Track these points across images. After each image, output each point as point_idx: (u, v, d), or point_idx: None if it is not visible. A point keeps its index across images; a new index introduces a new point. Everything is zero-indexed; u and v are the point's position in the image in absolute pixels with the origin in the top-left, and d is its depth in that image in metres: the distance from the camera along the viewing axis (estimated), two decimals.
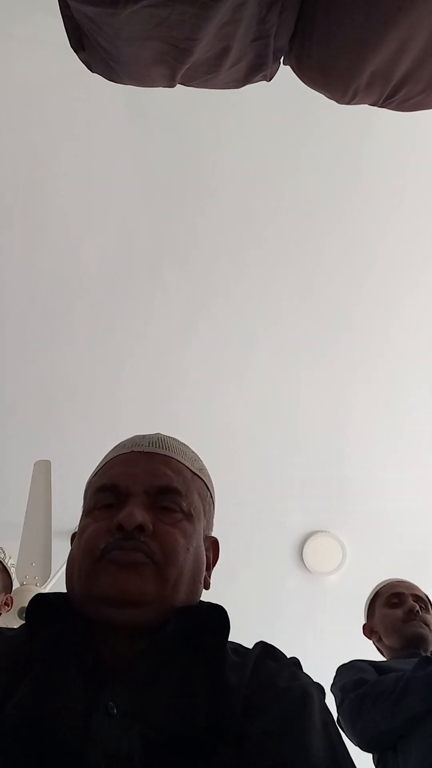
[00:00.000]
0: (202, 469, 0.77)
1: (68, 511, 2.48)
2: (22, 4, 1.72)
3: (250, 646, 0.66)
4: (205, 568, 0.71)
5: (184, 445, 0.79)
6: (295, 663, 0.65)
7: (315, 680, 0.63)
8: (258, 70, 0.97)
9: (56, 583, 2.16)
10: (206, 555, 0.73)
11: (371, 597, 1.60)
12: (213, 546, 0.76)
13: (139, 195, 2.08)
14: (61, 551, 2.28)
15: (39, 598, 0.66)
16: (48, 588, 2.09)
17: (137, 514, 0.63)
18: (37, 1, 1.56)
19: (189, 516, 0.69)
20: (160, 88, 1.05)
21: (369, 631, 1.57)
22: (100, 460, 0.79)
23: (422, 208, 2.07)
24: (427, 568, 2.52)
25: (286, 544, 2.58)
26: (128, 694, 0.55)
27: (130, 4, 0.79)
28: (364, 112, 1.12)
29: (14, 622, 1.96)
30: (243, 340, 2.31)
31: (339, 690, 1.28)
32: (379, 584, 1.61)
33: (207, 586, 0.72)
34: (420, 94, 0.97)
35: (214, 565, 0.76)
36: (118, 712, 0.53)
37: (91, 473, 0.78)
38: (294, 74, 1.02)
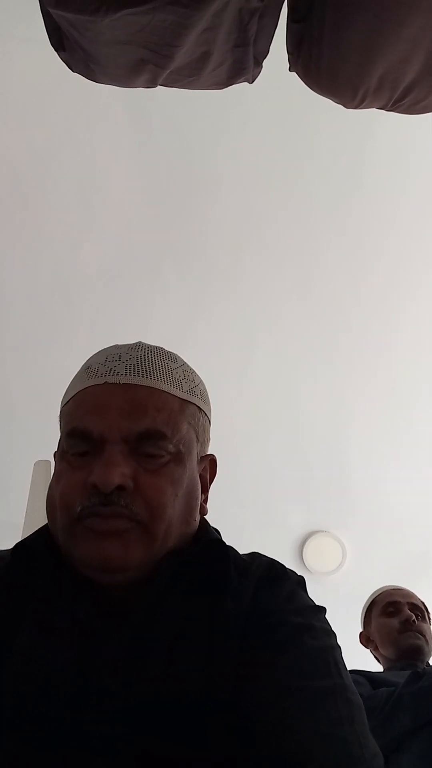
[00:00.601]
0: (193, 387, 0.66)
1: None
2: (22, 4, 1.72)
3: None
4: (199, 496, 0.65)
5: (171, 358, 0.67)
6: (299, 583, 0.62)
7: (314, 605, 0.61)
8: (239, 73, 0.99)
9: None
10: (202, 477, 0.67)
11: (367, 605, 1.59)
12: (209, 465, 0.70)
13: (140, 195, 2.08)
14: None
15: (23, 547, 0.62)
16: None
17: (114, 472, 0.55)
18: (38, 1, 1.57)
19: (177, 455, 0.61)
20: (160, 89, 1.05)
21: (365, 639, 1.55)
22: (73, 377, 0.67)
23: (423, 209, 2.07)
24: (427, 568, 2.52)
25: (286, 544, 2.58)
26: (121, 650, 0.53)
27: (110, 12, 0.79)
28: (366, 113, 1.12)
29: None
30: (243, 339, 2.31)
31: None
32: (376, 592, 1.60)
33: (204, 512, 0.67)
34: (429, 96, 0.97)
35: (211, 482, 0.70)
36: (109, 670, 0.51)
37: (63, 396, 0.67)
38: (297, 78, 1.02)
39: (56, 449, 0.67)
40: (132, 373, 0.62)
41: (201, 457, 0.67)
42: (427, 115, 1.03)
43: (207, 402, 0.70)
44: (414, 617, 1.45)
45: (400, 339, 2.27)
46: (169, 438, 0.60)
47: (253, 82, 1.03)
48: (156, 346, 0.68)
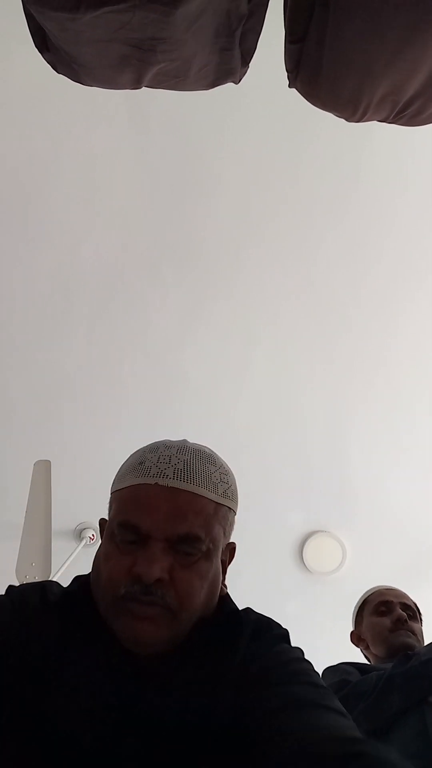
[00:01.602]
0: (227, 489, 0.78)
1: (68, 511, 2.49)
2: (20, 4, 1.72)
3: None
4: (220, 581, 0.77)
5: (210, 460, 0.78)
6: (282, 637, 0.75)
7: (299, 656, 0.73)
8: (226, 74, 0.99)
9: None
10: (223, 562, 0.78)
11: (359, 604, 1.59)
12: (230, 552, 0.81)
13: (139, 196, 2.08)
14: (61, 551, 2.28)
15: (69, 596, 0.75)
16: None
17: (155, 569, 0.68)
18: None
19: (207, 553, 0.72)
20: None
21: (357, 638, 1.56)
22: (123, 463, 0.82)
23: (423, 208, 2.07)
24: (427, 568, 2.52)
25: (286, 544, 2.58)
26: (151, 699, 0.66)
27: (90, 9, 0.79)
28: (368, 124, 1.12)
29: None
30: (243, 339, 2.31)
31: None
32: (368, 591, 1.60)
33: (223, 593, 0.78)
34: (430, 109, 0.97)
35: (229, 564, 0.81)
36: (144, 715, 0.64)
37: (114, 479, 0.81)
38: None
39: (106, 524, 0.78)
40: (179, 478, 0.72)
41: (224, 547, 0.79)
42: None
43: (236, 500, 0.81)
44: (406, 617, 1.45)
45: (401, 339, 2.27)
46: (203, 540, 0.72)
47: (239, 82, 1.02)
48: (199, 449, 0.79)
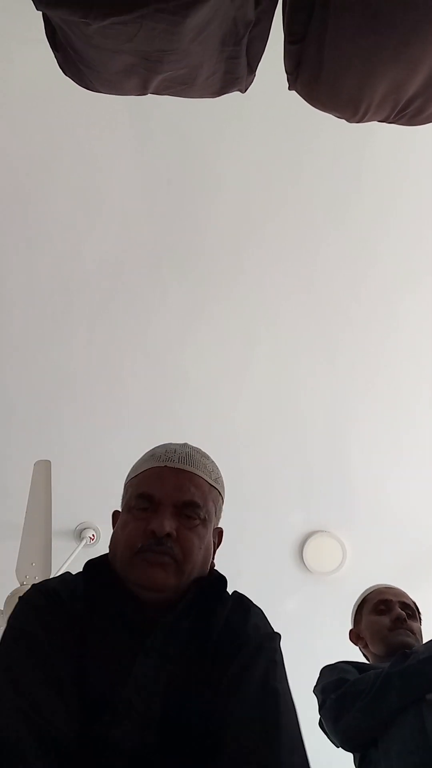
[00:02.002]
0: (218, 478, 0.98)
1: (68, 511, 2.49)
2: (22, 5, 1.72)
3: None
4: (212, 553, 0.96)
5: (205, 456, 0.99)
6: (252, 612, 0.91)
7: (270, 630, 0.89)
8: (232, 83, 0.99)
9: None
10: (213, 542, 0.96)
11: (358, 603, 1.59)
12: (218, 535, 1.00)
13: (140, 195, 2.08)
14: (61, 551, 2.28)
15: (90, 564, 0.92)
16: None
17: (166, 524, 0.86)
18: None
19: (204, 521, 0.92)
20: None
21: (355, 636, 1.55)
22: (137, 461, 1.01)
23: (423, 207, 2.07)
24: (427, 568, 2.52)
25: (286, 544, 2.58)
26: (160, 641, 0.82)
27: (98, 19, 0.79)
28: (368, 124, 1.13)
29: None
30: (243, 339, 2.31)
31: (320, 692, 1.28)
32: (367, 590, 1.60)
33: (212, 567, 0.97)
34: (430, 108, 0.97)
35: (216, 548, 0.99)
36: (153, 653, 0.80)
37: (128, 474, 1.01)
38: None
39: (122, 506, 0.97)
40: (183, 463, 0.94)
41: (213, 529, 0.97)
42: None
43: (224, 489, 1.01)
44: (405, 615, 1.45)
45: (401, 339, 2.27)
46: (201, 507, 0.91)
47: (245, 91, 1.02)
48: (196, 448, 1.00)
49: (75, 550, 2.45)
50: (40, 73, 1.84)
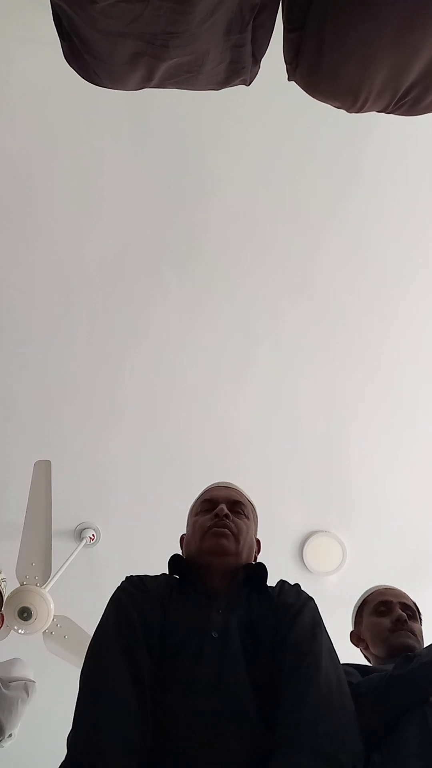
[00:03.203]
0: (251, 500, 1.36)
1: (68, 511, 2.49)
2: (22, 5, 1.72)
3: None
4: (254, 547, 1.30)
5: (240, 487, 1.40)
6: (297, 587, 1.21)
7: (308, 596, 1.18)
8: (237, 73, 0.98)
9: (56, 583, 2.16)
10: (255, 541, 1.31)
11: (359, 604, 1.57)
12: (258, 543, 1.34)
13: (140, 196, 2.08)
14: (61, 551, 2.28)
15: (175, 559, 1.23)
16: (48, 588, 2.09)
17: (225, 508, 1.24)
18: (38, 1, 1.57)
19: (247, 518, 1.28)
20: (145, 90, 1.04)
21: (356, 638, 1.54)
22: (202, 493, 1.37)
23: (421, 207, 2.07)
24: (427, 568, 2.52)
25: (286, 544, 2.58)
26: (225, 604, 1.10)
27: None
28: (364, 115, 1.12)
29: (11, 623, 1.96)
30: (243, 339, 2.31)
31: None
32: (367, 591, 1.58)
33: (255, 560, 1.30)
34: (429, 97, 0.96)
35: (258, 552, 1.32)
36: (222, 611, 1.08)
37: (194, 501, 1.36)
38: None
39: (190, 518, 1.32)
40: (229, 485, 1.37)
41: (255, 532, 1.33)
42: (426, 116, 1.03)
43: (255, 508, 1.38)
44: (406, 617, 1.43)
45: (400, 340, 2.27)
46: (245, 505, 1.31)
47: (250, 84, 1.01)
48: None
49: (75, 550, 2.45)
50: (41, 73, 1.84)
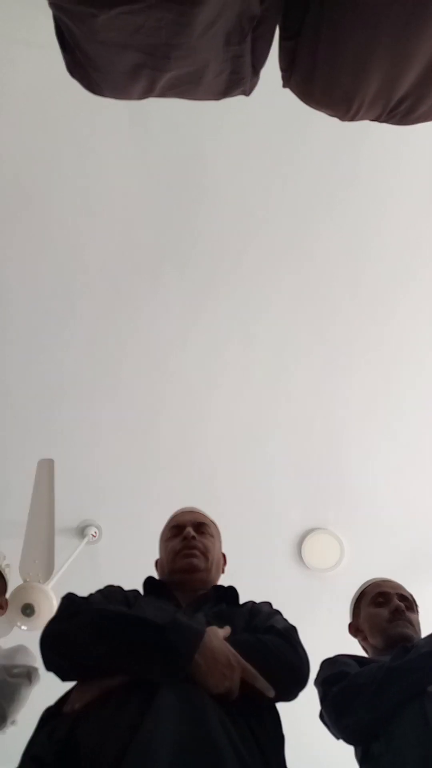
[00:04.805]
0: (214, 521, 1.52)
1: (71, 509, 2.51)
2: (23, 7, 1.73)
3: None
4: (222, 563, 1.45)
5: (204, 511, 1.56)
6: (268, 603, 1.29)
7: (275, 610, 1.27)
8: (237, 84, 0.99)
9: (59, 580, 2.18)
10: (222, 557, 1.46)
11: (357, 596, 1.60)
12: (223, 557, 1.48)
13: (141, 197, 2.09)
14: (63, 549, 2.30)
15: (149, 580, 1.35)
16: (51, 585, 2.11)
17: (191, 531, 1.39)
18: (39, 4, 1.58)
19: (212, 536, 1.44)
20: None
21: (354, 629, 1.56)
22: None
23: (417, 204, 2.08)
24: (425, 565, 2.54)
25: (284, 541, 2.59)
26: (194, 607, 1.22)
27: (105, 8, 0.79)
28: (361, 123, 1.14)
29: (14, 620, 1.97)
30: (243, 339, 2.33)
31: (320, 685, 1.29)
32: (365, 583, 1.61)
33: (223, 571, 1.45)
34: (421, 107, 0.98)
35: (224, 566, 1.47)
36: (190, 610, 1.20)
37: (163, 527, 1.50)
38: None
39: (161, 544, 1.47)
40: (193, 509, 1.53)
41: (220, 549, 1.48)
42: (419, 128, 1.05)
43: (217, 528, 1.53)
44: (403, 607, 1.46)
45: (399, 338, 2.29)
46: (209, 526, 1.47)
47: (249, 94, 1.03)
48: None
49: (78, 548, 2.46)
50: (42, 76, 1.85)
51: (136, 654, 0.97)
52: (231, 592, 1.32)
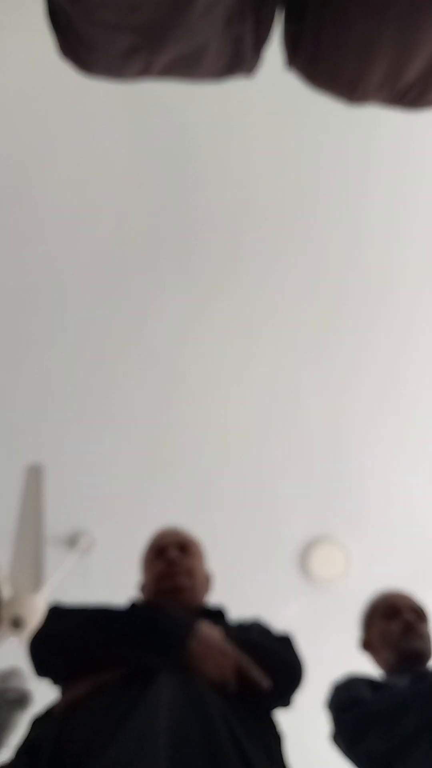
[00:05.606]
0: (198, 542, 1.48)
1: (62, 516, 2.45)
2: None
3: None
4: (208, 582, 1.41)
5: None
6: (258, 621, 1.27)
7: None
8: (238, 65, 0.97)
9: (49, 591, 2.12)
10: (207, 577, 1.42)
11: (366, 611, 1.59)
12: (208, 576, 1.45)
13: (136, 189, 2.07)
14: (54, 558, 2.24)
15: (133, 605, 1.27)
16: (41, 596, 2.05)
17: (174, 552, 1.37)
18: None
19: (196, 556, 1.41)
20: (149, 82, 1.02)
21: (366, 645, 1.55)
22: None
23: (421, 199, 2.05)
24: None
25: (290, 551, 2.56)
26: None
27: None
28: (367, 110, 1.11)
29: (3, 632, 1.94)
30: (243, 338, 2.29)
31: (334, 710, 1.28)
32: (374, 597, 1.60)
33: (209, 590, 1.42)
34: (430, 94, 0.96)
35: (207, 588, 1.43)
36: None
37: (145, 550, 1.46)
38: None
39: (144, 566, 1.42)
40: (172, 529, 1.48)
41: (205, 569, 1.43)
42: (429, 113, 1.02)
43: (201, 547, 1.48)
44: (414, 621, 1.45)
45: (408, 338, 2.25)
46: (192, 545, 1.42)
47: (251, 74, 1.01)
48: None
49: (69, 557, 2.42)
50: (35, 62, 1.82)
51: (130, 642, 1.00)
52: (219, 612, 1.31)
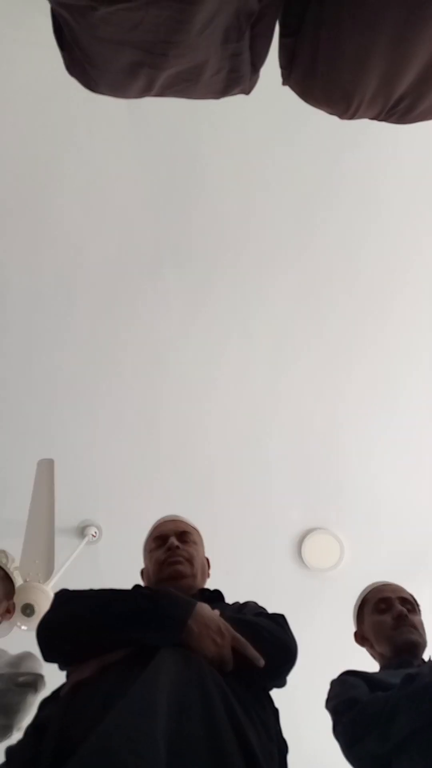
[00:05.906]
0: (196, 527, 1.55)
1: (71, 509, 2.51)
2: (21, 7, 1.73)
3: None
4: (207, 568, 1.47)
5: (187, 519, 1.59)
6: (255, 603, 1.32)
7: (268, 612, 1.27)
8: (236, 82, 0.99)
9: (59, 580, 2.18)
10: (206, 562, 1.49)
11: (358, 604, 1.58)
12: (207, 561, 1.51)
13: (140, 195, 2.09)
14: (63, 549, 2.29)
15: (136, 587, 1.31)
16: (51, 585, 2.11)
17: (175, 540, 1.42)
18: (37, 3, 1.57)
19: (195, 543, 1.47)
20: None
21: (360, 638, 1.55)
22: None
23: (412, 197, 2.07)
24: (425, 565, 2.54)
25: (284, 541, 2.58)
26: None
27: (104, 4, 0.78)
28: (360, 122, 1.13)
29: (15, 620, 1.97)
30: (243, 337, 2.32)
31: (332, 712, 1.28)
32: (365, 590, 1.59)
33: (209, 575, 1.49)
34: (421, 105, 0.97)
35: (208, 570, 1.50)
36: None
37: (146, 538, 1.53)
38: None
39: (145, 554, 1.50)
40: (172, 517, 1.56)
41: (203, 554, 1.51)
42: (422, 127, 1.04)
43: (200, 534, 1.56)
44: (406, 611, 1.45)
45: (397, 333, 2.28)
46: (192, 534, 1.49)
47: (249, 93, 1.02)
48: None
49: (78, 548, 2.46)
50: (43, 75, 1.85)
51: (132, 622, 1.01)
52: (216, 594, 1.35)
